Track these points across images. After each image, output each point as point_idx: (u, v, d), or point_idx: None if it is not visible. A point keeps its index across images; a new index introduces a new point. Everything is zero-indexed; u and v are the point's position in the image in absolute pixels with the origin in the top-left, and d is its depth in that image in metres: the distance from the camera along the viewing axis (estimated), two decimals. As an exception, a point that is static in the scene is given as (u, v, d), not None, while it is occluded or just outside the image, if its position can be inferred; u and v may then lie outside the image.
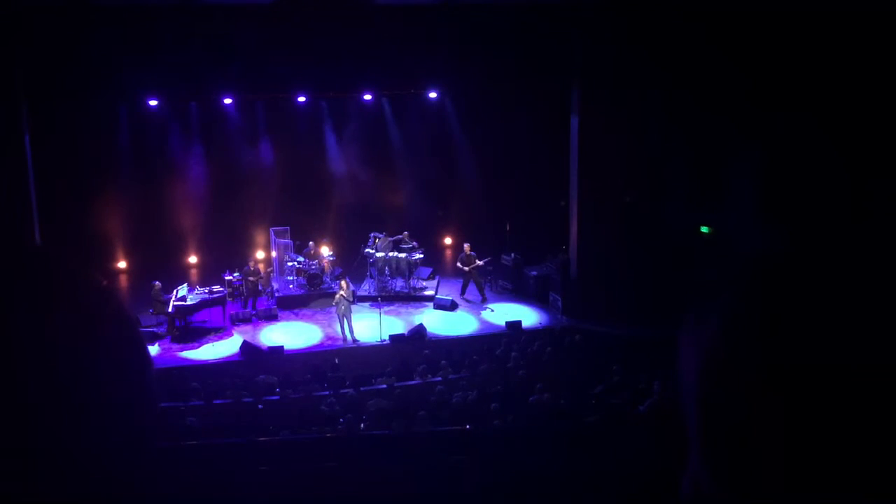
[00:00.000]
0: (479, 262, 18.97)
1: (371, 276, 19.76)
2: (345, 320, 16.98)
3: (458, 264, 19.23)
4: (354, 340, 16.91)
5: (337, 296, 16.99)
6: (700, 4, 15.48)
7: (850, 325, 0.74)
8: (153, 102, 19.57)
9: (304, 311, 18.71)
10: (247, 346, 16.26)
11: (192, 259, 21.51)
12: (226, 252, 20.19)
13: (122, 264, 20.91)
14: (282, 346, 16.31)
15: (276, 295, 19.08)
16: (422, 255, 19.70)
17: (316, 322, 18.15)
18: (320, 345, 17.04)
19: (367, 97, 21.27)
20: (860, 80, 11.99)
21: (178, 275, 19.57)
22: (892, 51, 11.48)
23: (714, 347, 0.80)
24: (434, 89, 21.21)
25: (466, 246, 19.11)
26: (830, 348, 0.74)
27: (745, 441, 0.77)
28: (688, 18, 15.62)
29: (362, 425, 11.26)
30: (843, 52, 12.29)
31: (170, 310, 17.12)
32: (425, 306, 18.96)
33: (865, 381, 0.72)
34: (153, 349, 16.26)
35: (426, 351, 15.67)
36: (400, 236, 19.78)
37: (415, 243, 19.68)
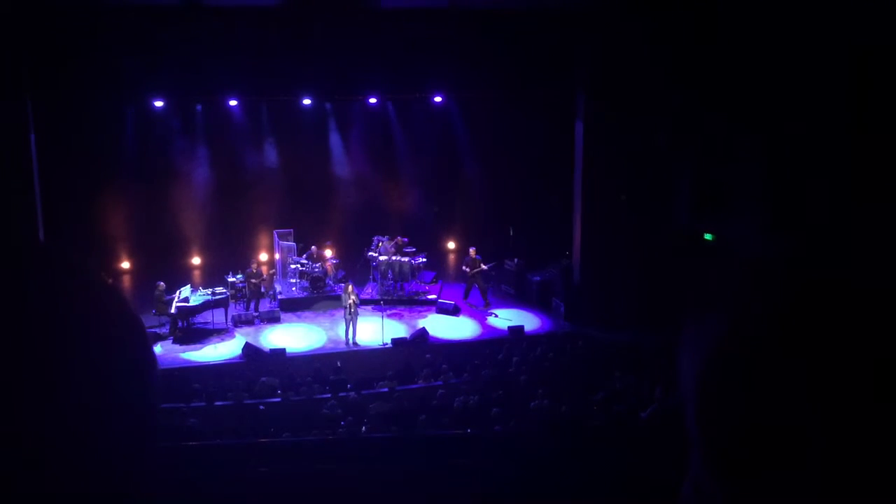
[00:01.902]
0: (484, 267, 18.97)
1: (374, 280, 19.76)
2: (350, 324, 16.99)
3: (464, 267, 19.24)
4: (355, 343, 16.92)
5: (349, 300, 16.94)
6: (705, 9, 15.48)
7: (852, 330, 0.74)
8: (159, 103, 19.60)
9: (307, 314, 18.71)
10: (249, 348, 16.27)
11: (196, 260, 21.53)
12: (229, 253, 20.20)
13: (125, 264, 20.94)
14: (284, 349, 16.32)
15: (279, 297, 19.08)
16: (425, 260, 19.72)
17: (318, 325, 18.15)
18: (322, 347, 17.04)
19: (373, 100, 21.29)
20: (866, 89, 11.99)
21: (181, 276, 19.59)
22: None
23: (715, 350, 0.80)
24: (439, 93, 21.22)
25: (472, 250, 19.09)
26: (832, 352, 0.74)
27: (747, 443, 0.77)
28: (693, 24, 15.63)
29: (364, 428, 11.26)
30: (847, 60, 12.28)
31: (172, 310, 17.13)
32: (428, 310, 18.96)
33: (868, 384, 0.72)
34: (155, 349, 16.26)
35: (428, 355, 15.66)
36: (398, 239, 19.83)
37: (411, 248, 19.69)
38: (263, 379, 13.95)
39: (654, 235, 17.33)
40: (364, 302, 18.46)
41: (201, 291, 17.95)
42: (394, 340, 16.80)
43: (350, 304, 16.88)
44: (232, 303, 18.29)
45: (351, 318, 16.94)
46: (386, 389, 13.37)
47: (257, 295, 18.60)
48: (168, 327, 17.25)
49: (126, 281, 20.40)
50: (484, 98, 20.71)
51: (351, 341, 16.95)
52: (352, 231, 21.26)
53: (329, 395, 13.09)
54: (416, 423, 11.10)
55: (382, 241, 19.70)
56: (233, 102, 20.46)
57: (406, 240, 19.94)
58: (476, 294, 19.13)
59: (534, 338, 16.94)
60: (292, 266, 19.53)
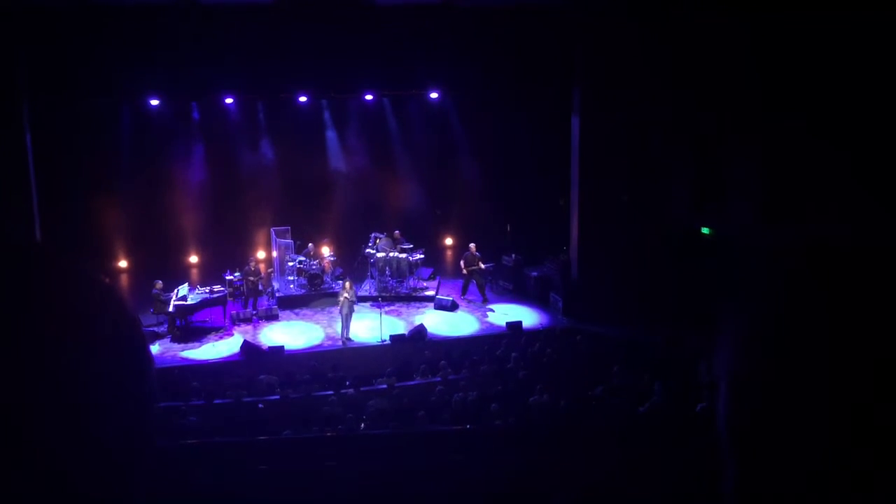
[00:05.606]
0: (482, 266, 18.94)
1: (372, 277, 19.76)
2: (344, 320, 16.98)
3: (462, 262, 19.20)
4: (348, 339, 16.93)
5: (341, 297, 16.96)
6: (700, 5, 15.48)
7: (877, 326, 0.73)
8: (154, 102, 19.56)
9: (305, 311, 18.72)
10: (247, 346, 16.27)
11: (193, 259, 21.51)
12: (226, 252, 20.18)
13: (122, 263, 20.92)
14: (282, 346, 16.32)
15: (277, 295, 19.09)
16: (422, 256, 19.71)
17: (316, 322, 18.16)
18: (320, 345, 17.05)
19: (369, 97, 21.26)
20: (861, 81, 11.99)
21: (179, 274, 19.57)
22: (891, 51, 11.47)
23: (743, 347, 0.79)
24: (435, 90, 21.18)
25: (472, 246, 19.04)
26: (862, 348, 0.72)
27: (781, 444, 0.76)
28: (688, 18, 15.62)
29: (362, 425, 11.26)
30: (842, 52, 12.29)
31: (170, 309, 17.13)
32: (426, 306, 18.95)
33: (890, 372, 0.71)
34: (154, 348, 16.26)
35: (426, 351, 15.66)
36: (396, 233, 19.84)
37: (408, 244, 19.68)
38: (262, 377, 13.95)
39: (652, 230, 17.34)
40: (362, 299, 18.47)
41: (199, 290, 17.94)
42: (392, 337, 16.81)
43: (343, 301, 16.88)
44: (230, 301, 18.28)
45: (347, 315, 16.95)
46: (384, 386, 13.37)
47: (255, 293, 18.60)
48: (166, 326, 17.25)
49: (124, 280, 20.39)
50: (480, 94, 20.69)
51: (343, 338, 16.95)
52: (349, 228, 21.25)
53: (328, 392, 13.09)
54: (414, 420, 11.11)
55: (380, 238, 19.69)
56: (228, 101, 20.44)
57: (397, 232, 19.95)
58: (474, 290, 19.13)
59: (532, 333, 16.94)
60: (290, 264, 19.53)
